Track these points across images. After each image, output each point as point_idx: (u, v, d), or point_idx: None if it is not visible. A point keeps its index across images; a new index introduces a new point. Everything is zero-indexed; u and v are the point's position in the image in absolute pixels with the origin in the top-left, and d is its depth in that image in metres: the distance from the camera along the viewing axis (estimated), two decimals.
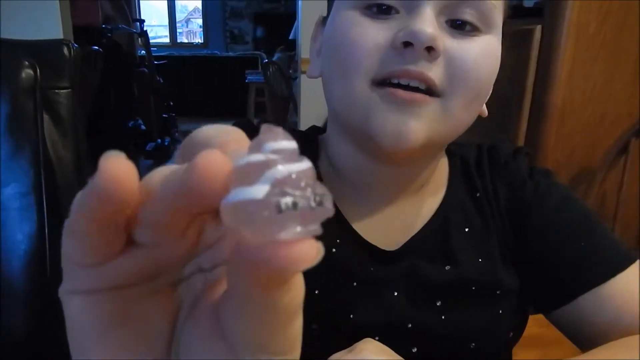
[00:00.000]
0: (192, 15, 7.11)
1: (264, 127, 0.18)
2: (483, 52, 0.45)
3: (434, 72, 0.44)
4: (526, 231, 0.54)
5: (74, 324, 0.21)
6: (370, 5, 0.45)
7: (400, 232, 0.54)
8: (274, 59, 4.29)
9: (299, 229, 0.16)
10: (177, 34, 6.93)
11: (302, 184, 0.17)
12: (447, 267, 0.53)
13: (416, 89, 0.44)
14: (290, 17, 4.37)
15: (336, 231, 0.53)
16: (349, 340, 0.47)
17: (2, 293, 0.62)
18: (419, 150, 0.46)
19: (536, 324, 0.59)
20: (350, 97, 0.46)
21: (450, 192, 0.56)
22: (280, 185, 0.16)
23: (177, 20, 6.91)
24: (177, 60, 5.72)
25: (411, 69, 0.43)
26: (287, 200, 0.16)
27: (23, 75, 0.63)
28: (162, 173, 0.19)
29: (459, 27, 0.45)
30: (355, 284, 0.52)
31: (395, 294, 0.52)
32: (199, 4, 6.82)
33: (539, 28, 1.40)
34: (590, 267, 0.51)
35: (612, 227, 1.44)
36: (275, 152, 0.17)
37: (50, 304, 0.65)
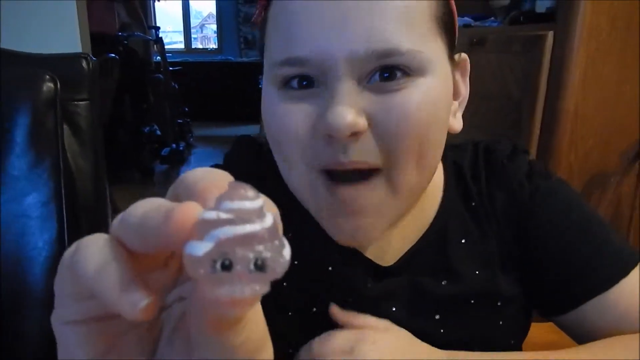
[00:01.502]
0: (206, 21, 7.18)
1: (231, 184, 0.18)
2: (416, 102, 0.41)
3: (366, 153, 0.42)
4: (526, 237, 0.53)
5: (65, 352, 0.23)
6: (288, 81, 0.43)
7: (397, 245, 0.53)
8: None
9: (235, 288, 0.17)
10: (192, 39, 7.00)
11: (248, 246, 0.17)
12: (444, 282, 0.52)
13: (359, 174, 0.43)
14: None
15: (332, 247, 0.51)
16: None
17: (24, 297, 0.64)
18: (380, 236, 0.46)
19: (551, 331, 0.58)
20: (297, 183, 0.46)
21: (445, 203, 0.54)
22: (222, 246, 0.17)
23: (191, 26, 6.98)
24: (192, 66, 5.78)
25: (342, 159, 0.42)
26: (222, 262, 0.17)
27: (44, 88, 0.65)
28: (142, 207, 0.20)
29: (387, 79, 0.41)
30: (351, 299, 0.52)
31: (394, 309, 0.52)
32: (214, 10, 6.88)
33: (551, 34, 1.39)
34: (592, 275, 0.51)
35: (627, 232, 1.42)
36: (230, 211, 0.17)
37: None
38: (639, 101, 1.42)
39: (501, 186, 0.54)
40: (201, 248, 0.17)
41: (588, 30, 1.35)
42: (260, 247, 0.17)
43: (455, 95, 0.49)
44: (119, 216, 0.21)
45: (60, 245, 0.65)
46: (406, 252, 0.53)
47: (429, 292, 0.52)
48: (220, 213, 0.17)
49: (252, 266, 0.17)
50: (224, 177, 0.20)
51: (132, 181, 3.73)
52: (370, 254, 0.53)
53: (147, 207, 0.20)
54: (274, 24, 0.44)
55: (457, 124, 0.49)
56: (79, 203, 0.68)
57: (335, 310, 0.49)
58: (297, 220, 0.47)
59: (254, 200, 0.18)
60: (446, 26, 0.45)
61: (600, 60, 1.38)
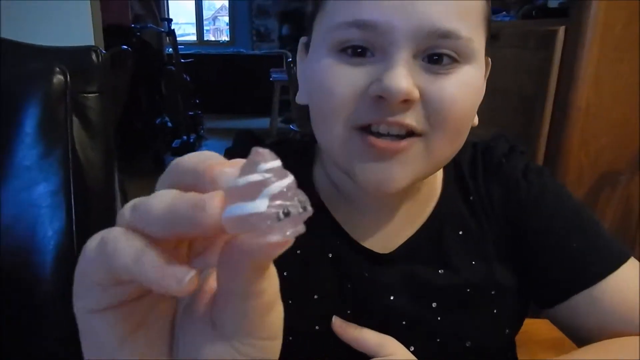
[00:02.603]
0: (219, 13, 7.19)
1: (254, 150, 0.21)
2: (462, 86, 0.45)
3: (412, 117, 0.44)
4: (522, 232, 0.55)
5: (92, 340, 0.25)
6: (346, 47, 0.45)
7: (395, 236, 0.55)
8: None
9: (289, 232, 0.20)
10: (204, 32, 7.02)
11: (290, 195, 0.20)
12: (441, 271, 0.54)
13: (396, 136, 0.45)
14: None
15: (331, 237, 0.55)
16: None
17: (35, 285, 0.66)
18: (403, 189, 0.48)
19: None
20: (331, 142, 0.48)
21: (444, 197, 0.57)
22: (275, 199, 0.20)
23: (204, 18, 6.99)
24: (204, 59, 5.80)
25: (389, 119, 0.44)
26: (284, 210, 0.20)
27: (54, 80, 0.66)
28: (164, 199, 0.21)
29: (436, 62, 0.44)
30: (350, 286, 0.54)
31: (392, 297, 0.54)
32: (226, 2, 6.89)
33: (562, 29, 1.38)
34: (581, 268, 0.52)
35: (635, 232, 1.41)
36: (267, 171, 0.20)
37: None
38: None
39: (498, 183, 0.56)
40: (260, 205, 0.19)
41: (602, 26, 1.33)
42: (299, 194, 0.20)
43: None
44: (129, 207, 0.22)
45: (68, 234, 0.67)
46: (404, 242, 0.55)
47: (426, 281, 0.54)
48: (264, 174, 0.20)
49: (300, 209, 0.20)
50: (217, 156, 0.22)
51: (145, 172, 3.77)
52: (369, 243, 0.55)
53: (170, 199, 0.21)
54: None
55: (475, 119, 0.52)
56: (88, 194, 0.70)
57: (337, 324, 0.51)
58: None
59: (277, 160, 0.21)
60: (488, 28, 0.49)
61: (613, 56, 1.37)
